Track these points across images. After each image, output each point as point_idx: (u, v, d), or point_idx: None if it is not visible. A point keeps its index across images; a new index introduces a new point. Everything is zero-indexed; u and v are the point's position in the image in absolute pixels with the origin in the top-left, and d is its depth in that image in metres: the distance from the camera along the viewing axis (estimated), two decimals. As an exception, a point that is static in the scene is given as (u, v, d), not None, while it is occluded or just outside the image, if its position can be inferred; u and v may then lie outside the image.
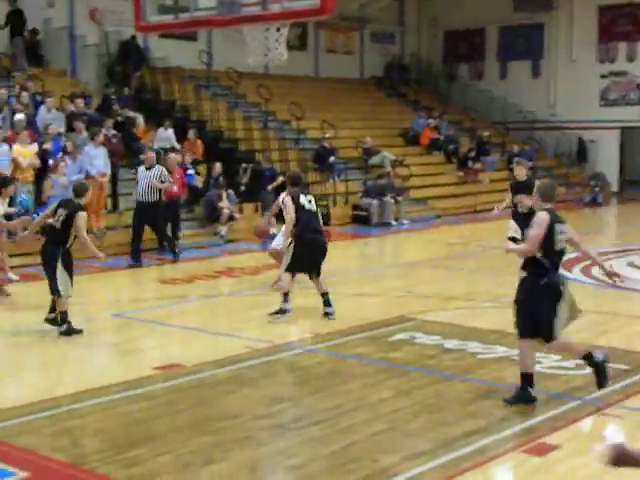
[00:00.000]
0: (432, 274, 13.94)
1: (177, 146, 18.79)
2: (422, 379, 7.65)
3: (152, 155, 15.16)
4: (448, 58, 31.83)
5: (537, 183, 8.10)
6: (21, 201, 13.68)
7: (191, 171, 17.84)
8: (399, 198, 20.97)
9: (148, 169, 14.74)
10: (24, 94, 17.00)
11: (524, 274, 6.97)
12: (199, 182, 18.15)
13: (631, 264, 14.20)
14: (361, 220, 20.52)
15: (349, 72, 29.27)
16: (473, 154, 25.48)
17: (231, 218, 17.41)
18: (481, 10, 29.58)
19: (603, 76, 28.57)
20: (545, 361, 8.06)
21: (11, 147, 14.65)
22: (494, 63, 30.92)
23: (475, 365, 8.20)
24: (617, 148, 28.51)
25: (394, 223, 20.49)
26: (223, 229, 17.20)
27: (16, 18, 20.04)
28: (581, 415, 6.76)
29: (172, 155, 16.69)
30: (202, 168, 18.96)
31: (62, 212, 9.24)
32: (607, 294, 11.84)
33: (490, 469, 5.71)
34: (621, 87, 28.51)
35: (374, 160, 22.48)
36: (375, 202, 20.43)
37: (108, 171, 15.67)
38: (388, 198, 20.56)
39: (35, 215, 14.25)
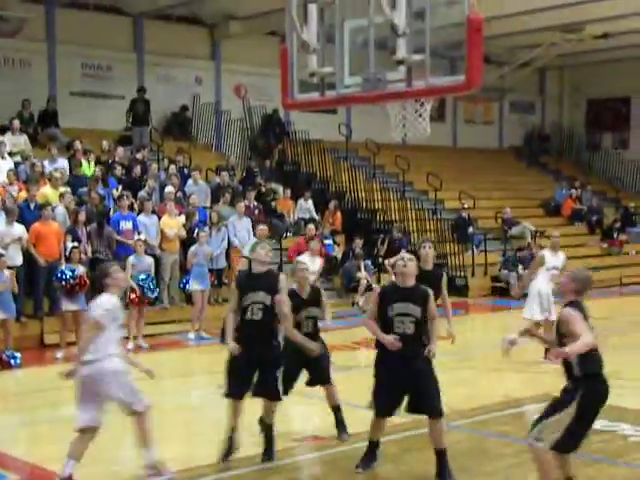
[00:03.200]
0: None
1: (316, 217, 19.10)
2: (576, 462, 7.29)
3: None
4: (591, 127, 31.19)
5: None
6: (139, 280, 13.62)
7: (329, 241, 18.05)
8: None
9: None
10: (172, 167, 17.72)
11: None
12: (337, 253, 18.32)
13: None
14: (500, 292, 20.13)
15: (488, 142, 29.16)
16: (618, 225, 24.69)
17: (369, 288, 17.43)
18: (625, 78, 28.94)
19: None
20: None
21: (159, 219, 15.26)
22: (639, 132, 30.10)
23: (626, 448, 7.79)
24: None
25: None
26: (361, 299, 17.23)
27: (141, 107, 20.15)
28: None
29: (310, 226, 17.08)
30: (340, 239, 19.16)
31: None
32: None
33: None
34: None
35: (514, 231, 22.14)
36: (514, 274, 20.01)
37: (250, 242, 16.00)
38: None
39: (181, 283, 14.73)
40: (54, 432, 8.67)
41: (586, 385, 5.84)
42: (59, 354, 12.41)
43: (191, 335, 14.16)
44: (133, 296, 13.24)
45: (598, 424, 8.35)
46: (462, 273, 20.21)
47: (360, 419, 8.91)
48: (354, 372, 11.96)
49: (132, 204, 15.36)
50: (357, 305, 17.19)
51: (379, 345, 6.94)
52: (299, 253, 16.20)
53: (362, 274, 17.42)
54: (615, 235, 24.27)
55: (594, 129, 31.09)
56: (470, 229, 21.30)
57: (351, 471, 7.17)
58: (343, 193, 21.71)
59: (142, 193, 16.21)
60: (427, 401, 6.79)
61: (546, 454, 5.76)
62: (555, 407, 5.89)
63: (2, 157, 15.82)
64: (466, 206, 21.97)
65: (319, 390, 8.26)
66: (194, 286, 14.17)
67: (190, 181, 17.66)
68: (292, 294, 7.67)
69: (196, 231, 15.38)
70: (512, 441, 8.00)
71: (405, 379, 6.77)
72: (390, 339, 6.68)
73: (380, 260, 18.88)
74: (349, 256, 17.99)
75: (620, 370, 11.62)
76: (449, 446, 7.86)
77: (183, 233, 15.42)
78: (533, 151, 29.75)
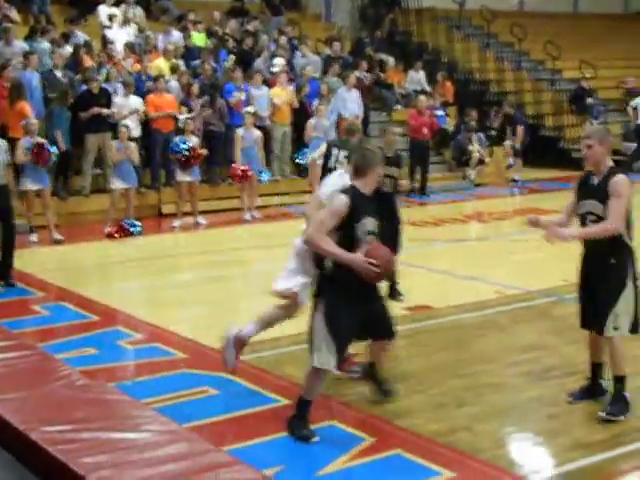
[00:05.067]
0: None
1: (428, 89, 18.69)
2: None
3: None
4: None
5: None
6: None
7: (440, 112, 17.68)
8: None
9: None
10: (282, 38, 17.53)
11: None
12: (450, 125, 17.96)
13: None
14: (621, 165, 19.42)
15: (611, 7, 27.53)
16: None
17: (481, 162, 17.12)
18: None
19: None
20: None
21: (269, 90, 15.23)
22: None
23: None
24: None
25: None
26: (472, 173, 16.97)
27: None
28: None
29: (421, 97, 16.72)
30: (452, 110, 18.74)
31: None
32: None
33: None
34: None
35: (636, 102, 21.12)
36: (636, 145, 19.23)
37: (361, 114, 15.84)
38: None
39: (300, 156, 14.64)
40: (173, 296, 9.04)
41: (630, 252, 5.51)
42: (176, 223, 12.77)
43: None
44: (241, 170, 13.26)
45: None
46: (579, 146, 19.54)
47: (468, 289, 8.94)
48: (465, 244, 11.92)
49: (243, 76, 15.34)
50: (468, 179, 16.94)
51: None
52: (419, 125, 16.01)
53: (474, 147, 17.07)
54: None
55: None
56: (590, 100, 20.44)
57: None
58: (455, 63, 21.11)
59: (258, 62, 16.16)
60: None
61: (620, 343, 5.49)
62: (610, 291, 5.44)
63: (120, 27, 15.96)
64: (588, 76, 21.00)
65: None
66: (312, 158, 14.03)
67: (299, 52, 17.47)
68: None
69: (314, 103, 15.29)
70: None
71: None
72: None
73: (493, 133, 18.46)
74: (461, 129, 17.62)
75: None
76: (561, 318, 7.83)
77: (295, 101, 15.35)
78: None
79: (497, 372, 6.42)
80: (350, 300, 5.12)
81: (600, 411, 5.43)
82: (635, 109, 19.58)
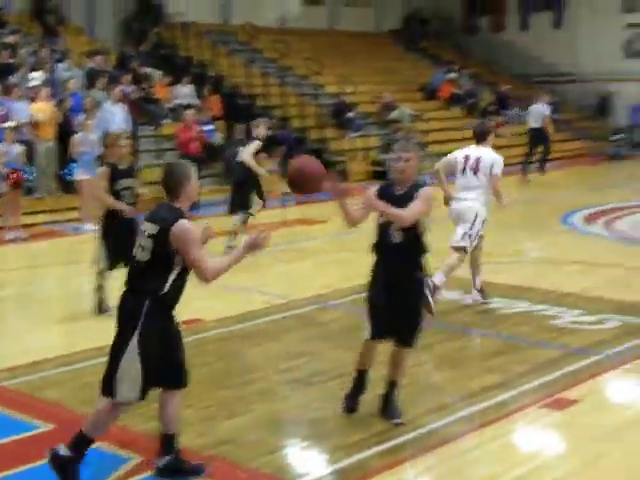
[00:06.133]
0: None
1: (196, 103, 18.76)
2: (443, 334, 7.65)
3: None
4: (468, 10, 31.38)
5: None
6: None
7: (209, 127, 17.79)
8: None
9: None
10: (44, 51, 16.95)
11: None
12: (219, 139, 18.11)
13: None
14: (380, 176, 20.41)
15: (365, 26, 28.82)
16: (494, 108, 25.21)
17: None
18: (502, -39, 29.04)
19: (629, 25, 27.97)
20: (565, 315, 8.10)
21: (30, 105, 14.68)
22: (515, 15, 30.45)
23: (495, 320, 8.21)
24: (641, 100, 28.06)
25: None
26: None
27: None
28: (600, 370, 6.74)
29: (189, 111, 16.78)
30: (221, 124, 18.91)
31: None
32: (629, 249, 11.80)
33: (511, 423, 5.73)
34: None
35: (392, 115, 22.31)
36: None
37: (128, 128, 15.61)
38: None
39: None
40: None
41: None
42: None
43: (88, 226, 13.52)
44: (12, 177, 12.72)
45: (470, 299, 8.79)
46: (343, 158, 20.35)
47: (238, 301, 9.03)
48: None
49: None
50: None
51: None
52: (187, 140, 15.98)
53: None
54: (491, 118, 24.77)
55: (471, 12, 31.28)
56: (350, 114, 21.35)
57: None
58: (222, 78, 21.34)
59: (12, 78, 15.51)
60: None
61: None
62: (417, 303, 5.77)
63: None
64: (348, 91, 21.93)
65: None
66: (81, 175, 13.67)
67: (61, 65, 16.96)
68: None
69: (79, 118, 14.87)
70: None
71: None
72: None
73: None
74: (230, 143, 17.81)
75: (492, 248, 12.13)
76: (325, 324, 8.15)
77: (58, 117, 14.89)
78: (412, 35, 29.71)
79: (266, 380, 6.56)
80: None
81: (391, 418, 5.64)
82: (525, 115, 20.94)
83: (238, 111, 19.58)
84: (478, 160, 8.45)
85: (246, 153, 11.49)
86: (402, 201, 5.54)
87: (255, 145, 11.52)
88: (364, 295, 5.77)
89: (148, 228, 4.76)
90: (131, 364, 4.63)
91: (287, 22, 24.81)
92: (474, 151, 8.60)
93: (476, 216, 8.46)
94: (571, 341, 7.42)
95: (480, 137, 8.67)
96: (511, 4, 30.57)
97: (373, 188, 5.74)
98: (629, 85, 27.39)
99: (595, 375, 6.60)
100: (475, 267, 8.82)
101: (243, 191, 11.59)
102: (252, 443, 5.37)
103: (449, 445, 5.33)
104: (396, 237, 5.59)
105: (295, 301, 9.03)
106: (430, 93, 25.71)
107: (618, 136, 26.07)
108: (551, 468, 5.10)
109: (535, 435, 5.60)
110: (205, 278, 4.76)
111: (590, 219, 13.98)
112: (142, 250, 4.74)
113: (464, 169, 8.50)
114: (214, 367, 6.88)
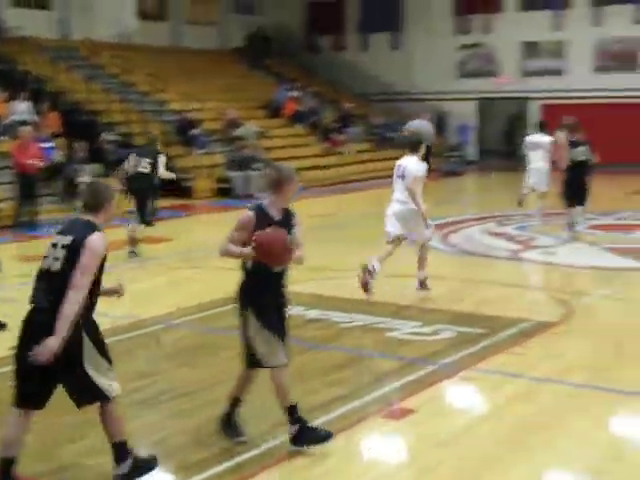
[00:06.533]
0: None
1: (35, 119, 18.24)
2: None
3: None
4: (310, 29, 31.97)
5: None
6: None
7: (50, 144, 17.34)
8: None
9: None
10: None
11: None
12: (59, 157, 17.67)
13: (487, 231, 14.80)
14: (226, 193, 20.50)
15: (208, 43, 28.86)
16: (337, 125, 25.78)
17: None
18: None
19: (462, 47, 29.29)
20: (403, 327, 8.41)
21: None
22: (355, 35, 31.27)
23: (337, 334, 8.42)
24: (475, 119, 29.41)
25: (258, 195, 20.52)
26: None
27: None
28: (436, 379, 7.05)
29: (26, 128, 16.26)
30: (61, 141, 18.46)
31: None
32: (464, 261, 12.34)
33: (353, 434, 5.89)
34: (478, 59, 29.39)
35: (238, 132, 22.45)
36: (240, 174, 20.44)
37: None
38: (252, 170, 20.60)
39: None
40: None
41: None
42: None
43: None
44: None
45: (313, 313, 8.99)
46: (189, 175, 20.28)
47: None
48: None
49: None
50: (78, 210, 16.76)
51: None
52: (25, 158, 15.50)
53: (84, 179, 16.96)
54: (334, 135, 25.34)
55: (313, 31, 31.89)
56: (194, 131, 21.32)
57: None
58: (61, 94, 20.83)
59: None
60: None
61: None
62: None
63: None
64: (192, 108, 21.89)
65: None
66: None
67: None
68: None
69: None
70: (233, 334, 8.34)
71: None
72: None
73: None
74: (71, 159, 17.43)
75: (338, 262, 12.43)
76: (170, 343, 8.12)
77: None
78: (256, 53, 29.98)
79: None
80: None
81: (234, 437, 5.68)
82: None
83: (79, 128, 19.18)
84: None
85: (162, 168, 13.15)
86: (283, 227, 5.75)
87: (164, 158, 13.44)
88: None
89: (60, 240, 4.92)
90: None
91: (127, 38, 24.52)
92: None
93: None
94: (409, 352, 7.72)
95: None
96: (351, 25, 31.36)
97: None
98: (461, 104, 28.74)
99: (432, 384, 6.89)
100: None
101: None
102: (91, 468, 5.30)
103: (291, 461, 5.44)
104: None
105: (141, 320, 8.95)
106: (274, 110, 26.02)
107: (455, 153, 27.27)
108: (389, 477, 5.30)
109: (375, 445, 5.80)
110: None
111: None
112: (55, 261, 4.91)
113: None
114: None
